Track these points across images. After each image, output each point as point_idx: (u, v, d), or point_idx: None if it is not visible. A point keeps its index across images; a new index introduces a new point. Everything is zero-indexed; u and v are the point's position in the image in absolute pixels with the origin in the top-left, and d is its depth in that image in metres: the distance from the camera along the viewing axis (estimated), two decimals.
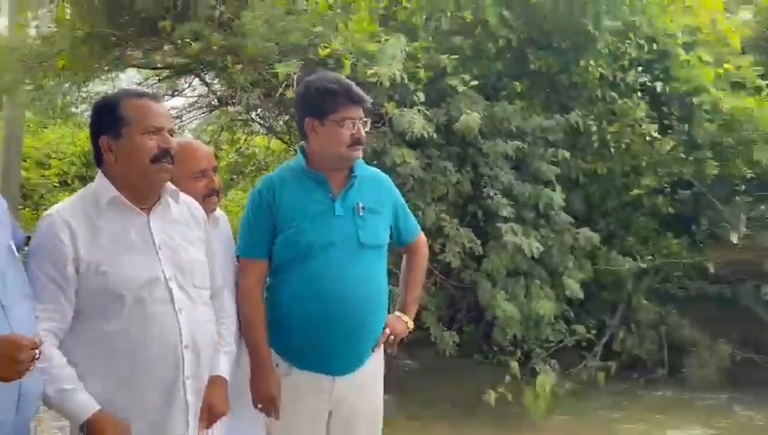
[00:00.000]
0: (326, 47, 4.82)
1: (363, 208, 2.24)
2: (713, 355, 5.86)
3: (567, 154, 5.63)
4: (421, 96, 5.16)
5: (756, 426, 5.25)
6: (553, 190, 5.45)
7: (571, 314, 5.63)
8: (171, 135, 1.76)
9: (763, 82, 6.25)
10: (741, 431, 5.21)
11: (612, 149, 6.00)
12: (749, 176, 6.22)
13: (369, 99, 2.29)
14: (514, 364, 5.01)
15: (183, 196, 1.90)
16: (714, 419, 5.33)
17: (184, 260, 1.79)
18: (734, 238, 5.95)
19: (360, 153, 2.27)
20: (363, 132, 2.23)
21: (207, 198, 2.11)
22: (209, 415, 1.88)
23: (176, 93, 5.27)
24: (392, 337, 2.40)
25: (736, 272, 6.14)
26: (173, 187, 1.84)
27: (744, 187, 6.29)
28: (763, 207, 6.25)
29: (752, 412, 5.45)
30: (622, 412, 5.32)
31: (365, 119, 2.26)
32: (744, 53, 6.44)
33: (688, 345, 6.02)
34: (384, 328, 2.36)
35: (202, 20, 5.00)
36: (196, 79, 5.27)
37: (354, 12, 5.14)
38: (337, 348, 2.21)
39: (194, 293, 1.80)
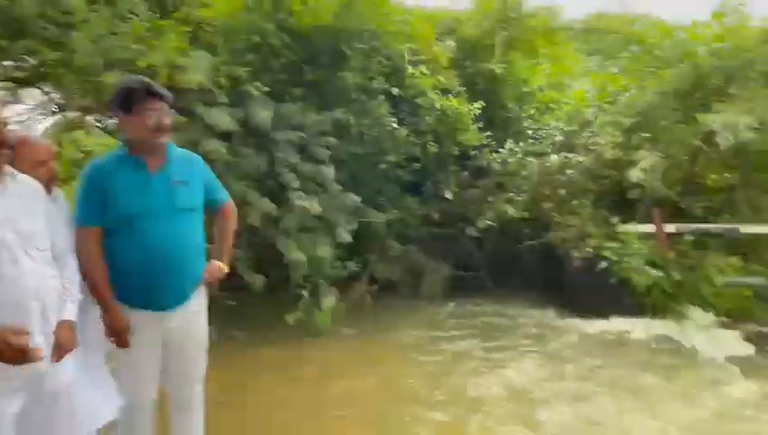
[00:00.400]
0: (144, 61, 5.04)
1: (177, 181, 2.40)
2: (438, 275, 7.19)
3: (335, 141, 6.29)
4: (225, 99, 5.68)
5: (460, 313, 6.51)
6: (327, 167, 6.09)
7: (345, 254, 6.22)
8: (5, 127, 1.84)
9: (461, 89, 7.54)
10: (453, 320, 6.33)
11: (365, 137, 6.71)
12: (456, 153, 7.52)
13: (167, 93, 2.37)
14: (306, 294, 5.58)
15: (21, 176, 1.95)
16: (439, 316, 6.47)
17: (26, 229, 1.85)
18: (449, 195, 7.33)
19: (165, 137, 2.37)
20: (165, 121, 2.33)
21: (49, 182, 2.21)
22: (59, 351, 1.95)
23: (18, 101, 5.24)
24: (210, 279, 2.58)
25: (451, 218, 7.41)
26: (11, 169, 1.90)
27: (453, 160, 7.57)
28: (465, 173, 7.61)
29: (461, 308, 6.72)
30: (380, 320, 6.24)
31: (168, 110, 2.36)
32: (448, 68, 7.59)
33: (423, 269, 7.17)
34: (203, 272, 2.55)
35: (37, 38, 4.94)
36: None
37: (167, 33, 5.37)
38: (164, 290, 2.35)
39: (36, 255, 1.88)
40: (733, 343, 5.45)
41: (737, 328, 5.62)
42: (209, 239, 2.66)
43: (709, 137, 5.86)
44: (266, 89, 6.03)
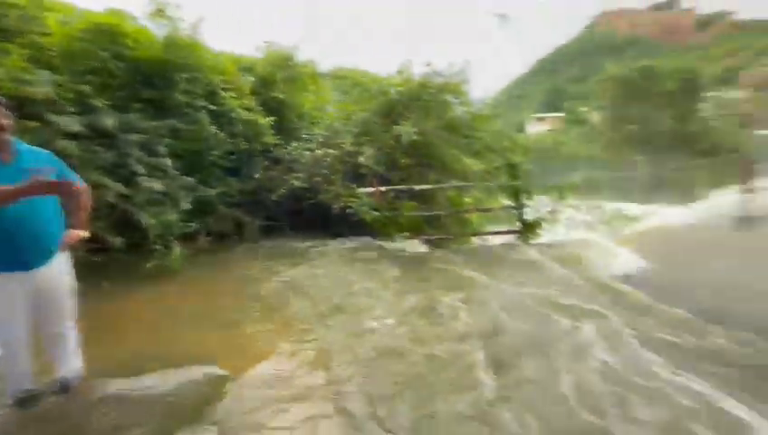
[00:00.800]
0: None
1: (29, 169, 1.99)
2: (254, 226, 6.92)
3: (172, 141, 5.61)
4: (73, 109, 4.78)
5: (269, 248, 6.38)
6: (167, 159, 5.49)
7: (188, 217, 5.60)
8: None
9: (260, 108, 7.25)
10: (264, 252, 6.22)
11: (196, 138, 5.98)
12: (260, 149, 7.23)
13: (2, 99, 2.00)
14: (161, 247, 5.11)
15: None
16: (255, 252, 6.27)
17: None
18: (257, 175, 7.09)
19: (5, 134, 1.97)
20: (2, 121, 1.95)
21: None
22: None
23: None
24: (70, 242, 2.24)
25: (260, 189, 7.10)
26: None
27: (258, 153, 7.26)
28: (267, 162, 7.33)
29: (270, 245, 6.63)
30: (218, 260, 5.84)
31: (5, 113, 1.98)
32: (250, 94, 7.28)
33: (244, 223, 6.86)
34: (63, 237, 2.20)
35: None
36: None
37: (10, 53, 4.34)
38: (28, 251, 2.02)
39: None
40: (415, 245, 6.35)
41: (417, 238, 6.45)
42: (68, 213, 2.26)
43: (398, 138, 6.53)
44: (108, 102, 5.13)
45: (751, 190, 8.17)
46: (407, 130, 6.29)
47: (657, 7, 73.85)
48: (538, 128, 44.55)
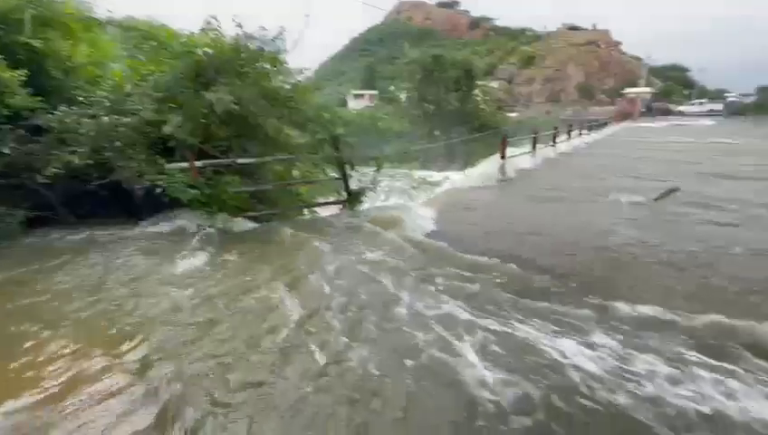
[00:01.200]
0: None
1: None
2: (11, 219, 5.30)
3: None
4: None
5: (33, 245, 5.12)
6: None
7: None
8: None
9: None
10: (27, 251, 4.97)
11: None
12: (7, 113, 5.38)
13: None
14: None
15: None
16: (14, 256, 4.91)
17: None
18: (6, 150, 5.31)
19: None
20: None
21: None
22: None
23: None
24: None
25: (15, 169, 5.37)
26: None
27: (4, 119, 5.38)
28: (23, 131, 5.51)
29: (38, 241, 5.28)
30: None
31: None
32: None
33: None
34: None
35: None
36: None
37: None
38: None
39: None
40: (240, 223, 5.98)
41: (244, 215, 6.04)
42: None
43: (212, 106, 5.81)
44: None
45: (504, 158, 10.90)
46: (221, 98, 5.64)
47: (442, 5, 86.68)
48: (357, 103, 47.28)
